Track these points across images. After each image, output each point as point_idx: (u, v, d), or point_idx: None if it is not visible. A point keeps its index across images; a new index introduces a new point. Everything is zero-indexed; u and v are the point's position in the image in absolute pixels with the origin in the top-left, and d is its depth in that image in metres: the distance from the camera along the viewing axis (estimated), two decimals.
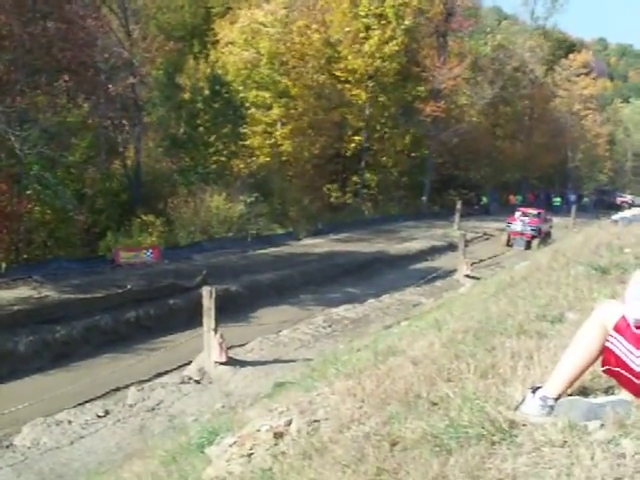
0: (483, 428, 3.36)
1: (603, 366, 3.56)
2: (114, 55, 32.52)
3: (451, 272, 29.39)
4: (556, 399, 3.47)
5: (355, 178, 53.34)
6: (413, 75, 55.93)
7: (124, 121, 34.60)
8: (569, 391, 3.58)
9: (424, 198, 58.45)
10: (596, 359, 3.53)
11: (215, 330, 15.83)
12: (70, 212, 28.46)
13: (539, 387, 3.55)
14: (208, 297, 15.96)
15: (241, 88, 45.75)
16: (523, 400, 3.59)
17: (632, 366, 3.36)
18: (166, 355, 17.38)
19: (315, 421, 4.50)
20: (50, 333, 18.66)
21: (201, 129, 40.40)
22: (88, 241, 31.32)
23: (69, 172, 31.23)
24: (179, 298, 23.00)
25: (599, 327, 3.51)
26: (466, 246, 29.83)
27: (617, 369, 3.45)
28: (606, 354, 3.49)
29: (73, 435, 12.60)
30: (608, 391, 3.67)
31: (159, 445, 8.55)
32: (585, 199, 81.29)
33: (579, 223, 43.45)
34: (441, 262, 34.02)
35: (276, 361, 16.63)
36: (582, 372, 3.55)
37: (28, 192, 27.33)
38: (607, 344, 3.47)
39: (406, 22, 51.87)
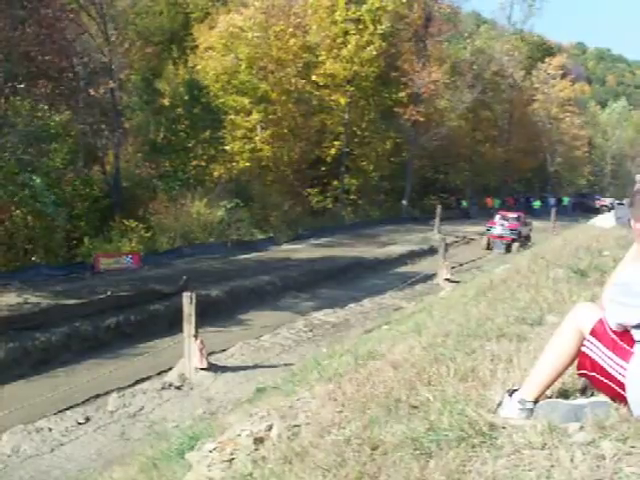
0: (463, 431, 3.37)
1: (578, 370, 3.56)
2: (93, 60, 32.39)
3: (431, 276, 29.41)
4: (534, 402, 3.47)
5: (335, 183, 53.32)
6: (393, 80, 56.05)
7: (103, 126, 34.46)
8: (549, 393, 3.59)
9: (404, 202, 58.55)
10: (572, 363, 3.53)
11: (195, 336, 15.77)
12: (52, 218, 28.31)
13: (515, 390, 3.56)
14: (188, 303, 15.90)
15: (220, 93, 45.76)
16: (500, 403, 3.59)
17: (610, 371, 3.35)
18: (147, 361, 17.32)
19: (296, 426, 4.50)
20: (30, 340, 18.55)
21: (181, 134, 40.34)
22: (67, 247, 31.17)
23: (48, 177, 31.06)
24: (159, 304, 22.93)
25: (574, 331, 3.51)
26: (446, 250, 29.82)
27: (593, 374, 3.45)
28: (581, 359, 3.49)
29: (53, 442, 12.52)
30: (588, 393, 3.68)
31: (140, 451, 8.51)
32: (565, 198, 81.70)
33: (559, 226, 43.65)
34: (421, 266, 34.08)
35: (257, 366, 16.59)
36: (558, 376, 3.55)
37: (7, 198, 27.18)
38: (583, 349, 3.46)
39: (383, 27, 51.98)
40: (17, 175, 26.79)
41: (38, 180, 27.00)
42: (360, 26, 51.39)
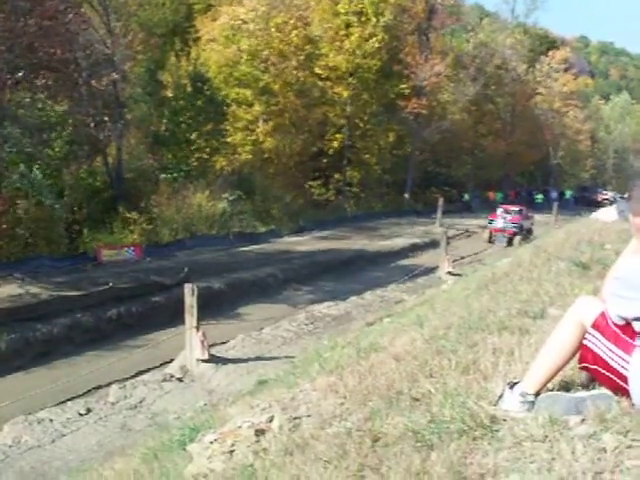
0: (464, 423, 3.37)
1: (580, 363, 3.57)
2: (95, 52, 32.33)
3: (433, 269, 29.41)
4: (535, 395, 3.48)
5: (338, 175, 53.27)
6: (395, 72, 56.04)
7: (105, 118, 34.40)
8: (550, 385, 3.59)
9: (406, 195, 58.55)
10: (573, 356, 3.54)
11: (197, 327, 15.78)
12: (54, 209, 28.33)
13: (517, 382, 3.57)
14: (190, 294, 15.91)
15: (223, 85, 45.72)
16: (502, 396, 3.60)
17: (612, 364, 3.36)
18: (148, 353, 17.33)
19: (297, 417, 4.50)
20: (31, 331, 18.58)
21: (183, 126, 40.33)
22: (70, 239, 31.17)
23: (48, 167, 31.05)
24: (161, 296, 22.96)
25: (576, 324, 3.51)
26: (448, 243, 29.86)
27: (595, 367, 3.46)
28: (583, 352, 3.50)
29: (55, 433, 12.54)
30: (589, 385, 3.68)
31: (141, 443, 8.52)
32: (568, 192, 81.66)
33: (560, 220, 43.65)
34: (423, 259, 34.07)
35: (258, 358, 16.59)
36: (559, 369, 3.55)
37: (9, 189, 27.22)
38: (585, 342, 3.47)
39: (386, 19, 51.94)
40: (17, 166, 26.84)
41: (37, 172, 27.04)
42: (363, 18, 51.38)
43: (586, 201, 75.58)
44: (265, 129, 47.41)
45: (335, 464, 3.44)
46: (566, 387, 3.72)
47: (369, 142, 54.58)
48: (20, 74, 25.07)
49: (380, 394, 4.25)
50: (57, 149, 32.39)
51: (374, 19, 51.35)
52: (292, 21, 47.59)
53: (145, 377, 15.94)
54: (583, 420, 3.24)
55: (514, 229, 40.83)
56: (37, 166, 28.12)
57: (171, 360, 16.60)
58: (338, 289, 27.39)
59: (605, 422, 3.16)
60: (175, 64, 44.61)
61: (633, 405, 3.27)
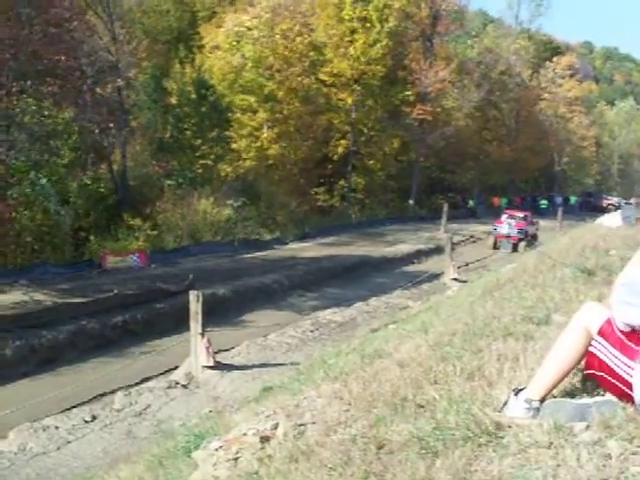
0: (469, 430, 3.36)
1: (586, 370, 3.56)
2: (100, 59, 32.40)
3: (438, 275, 29.35)
4: (541, 401, 3.47)
5: (342, 182, 53.25)
6: (400, 78, 56.07)
7: (110, 125, 34.45)
8: (555, 392, 3.58)
9: (411, 201, 58.52)
10: (579, 362, 3.53)
11: (202, 334, 15.77)
12: (59, 216, 28.40)
13: (522, 389, 3.56)
14: (195, 301, 15.90)
15: (227, 92, 45.78)
16: (506, 402, 3.59)
17: (617, 371, 3.35)
18: (153, 359, 17.33)
19: (302, 424, 4.49)
20: (37, 338, 18.59)
21: (188, 133, 40.39)
22: (75, 245, 31.23)
23: (54, 175, 31.11)
24: (166, 302, 22.95)
25: (582, 330, 3.50)
26: (453, 249, 29.80)
27: (601, 373, 3.45)
28: (589, 358, 3.49)
29: (60, 440, 12.53)
30: (594, 392, 3.67)
31: (146, 450, 8.52)
32: (572, 198, 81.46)
33: (565, 225, 43.59)
34: (428, 265, 34.02)
35: (263, 365, 16.57)
36: (565, 375, 3.54)
37: (14, 196, 27.28)
38: (591, 348, 3.46)
39: (390, 25, 51.97)
40: (26, 174, 26.94)
41: (44, 180, 27.12)
42: (367, 25, 51.41)
43: (591, 207, 75.45)
44: (270, 136, 47.47)
45: (340, 471, 3.43)
46: (571, 394, 3.71)
47: (374, 148, 54.59)
48: (26, 82, 25.13)
49: (385, 401, 4.25)
50: (64, 157, 32.48)
51: (378, 25, 51.38)
52: (296, 28, 47.71)
53: (150, 384, 15.92)
54: (588, 427, 3.23)
55: (519, 235, 40.77)
56: (44, 173, 28.23)
57: (176, 367, 16.59)
58: (343, 295, 27.38)
59: (610, 429, 3.15)
60: (179, 71, 44.77)
61: (638, 412, 3.26)
